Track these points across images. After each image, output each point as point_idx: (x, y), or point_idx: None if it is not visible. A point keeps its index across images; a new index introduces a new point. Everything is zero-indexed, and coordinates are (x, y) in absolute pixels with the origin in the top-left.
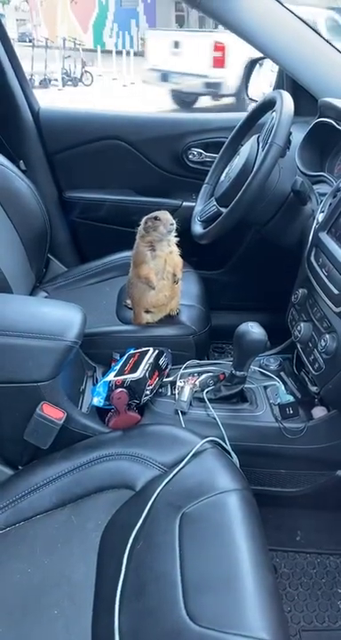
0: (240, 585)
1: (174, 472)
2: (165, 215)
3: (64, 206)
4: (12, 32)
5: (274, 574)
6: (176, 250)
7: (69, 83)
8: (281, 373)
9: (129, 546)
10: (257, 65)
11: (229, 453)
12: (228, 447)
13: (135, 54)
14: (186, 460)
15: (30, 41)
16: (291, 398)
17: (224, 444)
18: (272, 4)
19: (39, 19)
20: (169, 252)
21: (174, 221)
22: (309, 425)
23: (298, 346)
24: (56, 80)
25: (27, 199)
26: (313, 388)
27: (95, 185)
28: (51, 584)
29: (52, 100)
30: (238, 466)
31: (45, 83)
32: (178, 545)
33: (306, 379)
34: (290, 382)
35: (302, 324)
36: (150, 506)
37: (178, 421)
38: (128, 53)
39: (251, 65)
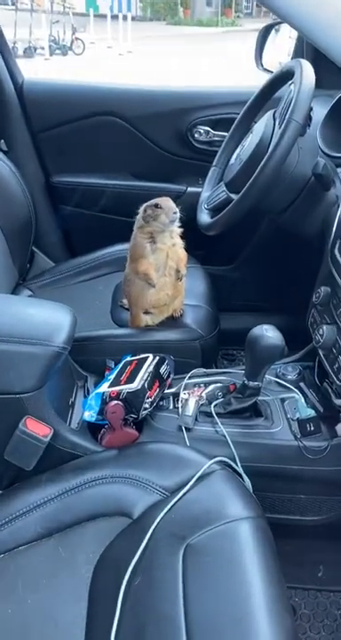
0: (253, 628)
1: (177, 497)
2: (167, 202)
3: (51, 192)
4: None
5: (293, 616)
6: (179, 242)
7: (58, 51)
8: (301, 384)
9: (125, 582)
10: (273, 31)
11: (240, 476)
12: (239, 469)
13: (133, 19)
14: (190, 483)
15: (13, 4)
16: (312, 413)
17: (234, 466)
18: None
19: None
20: (171, 245)
21: (177, 209)
22: (333, 443)
23: (321, 352)
24: (42, 48)
25: (9, 184)
26: (338, 401)
27: (86, 168)
28: (35, 627)
29: (38, 71)
30: (251, 490)
31: (30, 51)
32: (181, 581)
33: (330, 390)
34: (311, 394)
35: (325, 327)
36: (149, 536)
37: (181, 439)
38: (125, 18)
39: (266, 31)
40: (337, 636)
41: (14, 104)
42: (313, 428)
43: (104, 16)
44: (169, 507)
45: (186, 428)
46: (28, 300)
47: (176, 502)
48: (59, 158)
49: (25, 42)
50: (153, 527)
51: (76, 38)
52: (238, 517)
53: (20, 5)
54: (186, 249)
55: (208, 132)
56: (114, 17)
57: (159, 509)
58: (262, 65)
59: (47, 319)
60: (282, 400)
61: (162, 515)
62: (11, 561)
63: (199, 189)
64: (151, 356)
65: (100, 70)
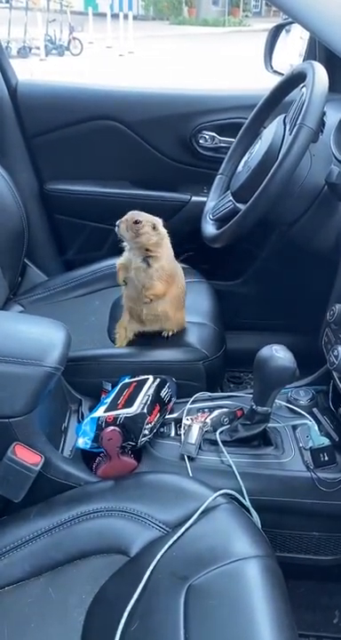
0: None
1: (178, 533)
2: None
3: (45, 201)
4: None
5: None
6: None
7: (54, 51)
8: (314, 410)
9: (121, 627)
10: (283, 31)
11: (248, 510)
12: (247, 503)
13: (134, 18)
14: (193, 518)
15: (7, 1)
16: (327, 441)
17: (241, 499)
18: None
19: None
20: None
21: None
22: None
23: (335, 375)
24: (38, 48)
25: (0, 191)
26: None
27: (83, 175)
28: None
29: (33, 72)
30: (259, 526)
31: (25, 51)
32: (182, 627)
33: None
34: (325, 421)
35: (340, 348)
36: (148, 576)
37: (183, 469)
38: (126, 17)
39: (276, 31)
40: None
41: (7, 107)
42: (327, 459)
43: (103, 15)
44: (169, 543)
45: (188, 457)
46: (19, 317)
47: (177, 539)
48: (54, 165)
49: (19, 41)
50: (152, 566)
51: (74, 38)
52: (245, 556)
53: (15, 3)
54: (191, 262)
55: (213, 138)
56: (115, 16)
57: (159, 546)
58: (272, 67)
59: (39, 337)
60: (294, 427)
61: (162, 552)
62: None
63: (204, 199)
64: (151, 377)
65: (99, 71)
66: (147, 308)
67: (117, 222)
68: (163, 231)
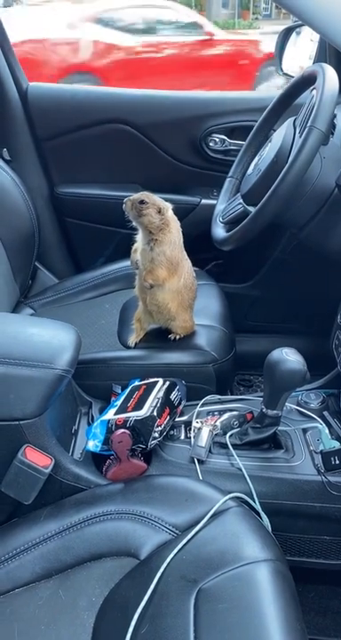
0: None
1: (188, 537)
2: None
3: (56, 204)
4: None
5: None
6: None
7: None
8: (325, 413)
9: (131, 630)
10: (293, 34)
11: (258, 514)
12: (257, 506)
13: None
14: (203, 521)
15: None
16: (337, 444)
17: (252, 502)
18: None
19: None
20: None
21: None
22: None
23: None
24: None
25: (12, 195)
26: None
27: (94, 179)
28: None
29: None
30: (269, 530)
31: None
32: (192, 630)
33: None
34: (336, 424)
35: None
36: (158, 579)
37: (193, 472)
38: None
39: (286, 34)
40: None
41: (18, 110)
42: (337, 462)
43: None
44: (179, 547)
45: (198, 460)
46: (30, 319)
47: (187, 542)
48: (64, 168)
49: None
50: (162, 569)
51: None
52: (255, 560)
53: None
54: (201, 265)
55: (223, 141)
56: None
57: (169, 549)
58: (282, 69)
59: (49, 340)
60: (304, 430)
61: (171, 555)
62: (6, 604)
63: (214, 201)
64: (161, 380)
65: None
66: (150, 295)
67: (125, 199)
68: (170, 217)
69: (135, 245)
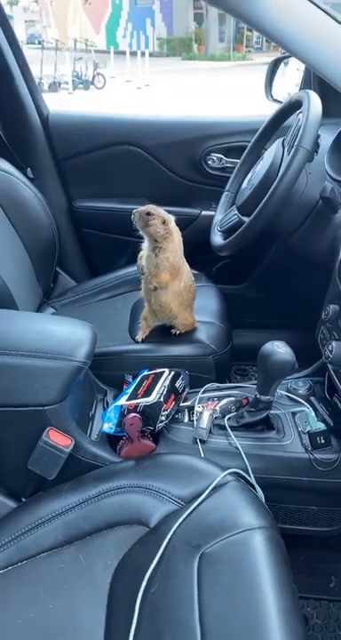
0: (265, 637)
1: (192, 507)
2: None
3: (73, 216)
4: (21, 34)
5: (305, 625)
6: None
7: (80, 86)
8: (312, 398)
9: (142, 589)
10: (282, 64)
11: (253, 487)
12: (252, 480)
13: (151, 55)
14: (205, 493)
15: (39, 43)
16: (323, 426)
17: (247, 477)
18: None
19: (49, 20)
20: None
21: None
22: None
23: (330, 367)
24: (66, 83)
25: (35, 209)
26: None
27: (107, 194)
28: (55, 631)
29: (62, 103)
30: (263, 501)
31: (55, 86)
32: (196, 589)
33: (339, 404)
34: (322, 408)
35: (334, 344)
36: (166, 544)
37: (196, 451)
38: (143, 54)
39: (275, 64)
40: None
41: (40, 135)
42: (323, 441)
43: (123, 53)
44: (184, 516)
45: (200, 440)
46: (52, 318)
47: (191, 512)
48: (81, 184)
49: (50, 77)
50: (169, 536)
51: (98, 73)
52: (251, 527)
53: (46, 44)
54: (201, 269)
55: (221, 159)
56: (133, 53)
57: (175, 518)
58: (272, 96)
59: (69, 335)
60: (293, 414)
61: (177, 524)
62: (34, 567)
63: (212, 213)
64: (167, 370)
65: (120, 102)
66: (154, 296)
67: (133, 211)
68: (173, 228)
69: (141, 253)
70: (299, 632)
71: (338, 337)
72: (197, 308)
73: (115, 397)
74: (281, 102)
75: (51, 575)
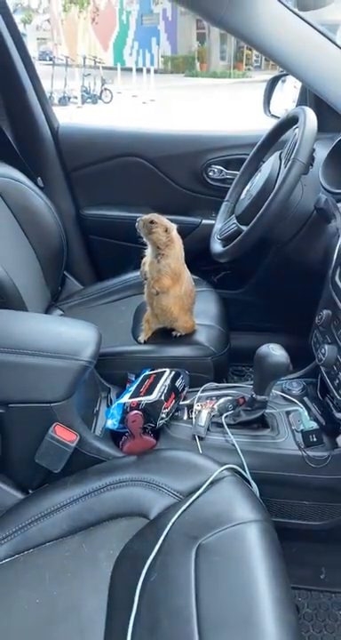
0: (259, 625)
1: (190, 500)
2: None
3: (81, 223)
4: (33, 50)
5: (297, 614)
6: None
7: (89, 100)
8: (305, 398)
9: (142, 578)
10: (280, 81)
11: (249, 482)
12: (248, 475)
13: (155, 72)
14: (203, 488)
15: (51, 59)
16: (315, 425)
17: (243, 472)
18: (294, 19)
19: (60, 37)
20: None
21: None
22: (334, 454)
23: (322, 369)
24: (75, 98)
25: (45, 216)
26: (339, 415)
27: (113, 202)
28: (60, 617)
29: (72, 116)
30: (258, 496)
31: (65, 100)
32: (193, 578)
33: (331, 404)
34: (314, 408)
35: (326, 347)
36: (165, 536)
37: (194, 447)
38: (148, 71)
39: (273, 81)
40: (338, 635)
41: (50, 146)
42: (315, 439)
43: (129, 69)
44: (183, 509)
45: (199, 437)
46: (60, 319)
47: (189, 505)
48: (88, 193)
49: (60, 92)
50: (168, 527)
51: (105, 89)
52: (246, 520)
53: (57, 61)
54: (201, 275)
55: (221, 171)
56: (139, 70)
57: (174, 511)
58: (270, 111)
59: (76, 336)
60: (287, 413)
61: (176, 516)
62: (39, 555)
63: (212, 222)
64: (168, 370)
65: (126, 115)
66: (156, 300)
67: (138, 219)
68: (175, 236)
69: (144, 259)
70: (291, 620)
71: (331, 340)
72: (197, 311)
73: (119, 395)
74: (278, 118)
75: (56, 563)
